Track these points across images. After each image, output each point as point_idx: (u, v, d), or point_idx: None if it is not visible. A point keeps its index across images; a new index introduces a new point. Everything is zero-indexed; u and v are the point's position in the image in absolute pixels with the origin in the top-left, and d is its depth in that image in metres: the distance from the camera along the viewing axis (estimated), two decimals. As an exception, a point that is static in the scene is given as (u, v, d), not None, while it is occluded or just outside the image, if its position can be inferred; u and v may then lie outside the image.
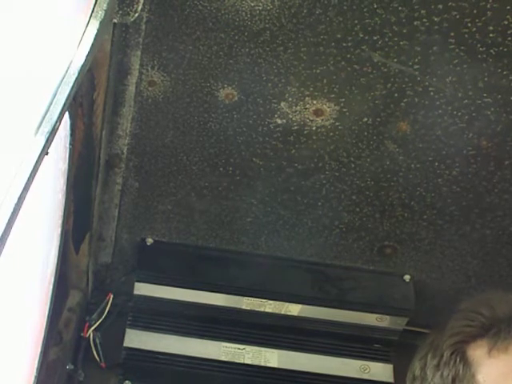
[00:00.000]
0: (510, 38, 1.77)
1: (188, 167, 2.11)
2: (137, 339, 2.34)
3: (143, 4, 1.68)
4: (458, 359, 1.63)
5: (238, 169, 2.11)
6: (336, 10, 1.75)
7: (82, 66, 1.34)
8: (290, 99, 1.94)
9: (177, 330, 2.37)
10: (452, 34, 1.78)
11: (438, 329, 1.71)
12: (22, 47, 1.14)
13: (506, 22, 1.75)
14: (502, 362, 1.60)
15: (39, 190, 1.39)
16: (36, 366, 1.85)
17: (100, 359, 2.30)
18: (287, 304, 2.36)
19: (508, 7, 1.72)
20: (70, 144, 1.64)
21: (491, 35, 1.77)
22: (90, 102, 1.73)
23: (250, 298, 2.35)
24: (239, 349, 2.37)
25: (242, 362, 2.36)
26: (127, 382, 2.28)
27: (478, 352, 1.62)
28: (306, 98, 1.93)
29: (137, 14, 1.66)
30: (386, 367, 2.40)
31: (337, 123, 1.99)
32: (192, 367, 2.33)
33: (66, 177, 1.71)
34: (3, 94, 1.09)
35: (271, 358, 2.38)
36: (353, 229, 2.24)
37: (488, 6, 1.72)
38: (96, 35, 1.40)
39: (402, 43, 1.80)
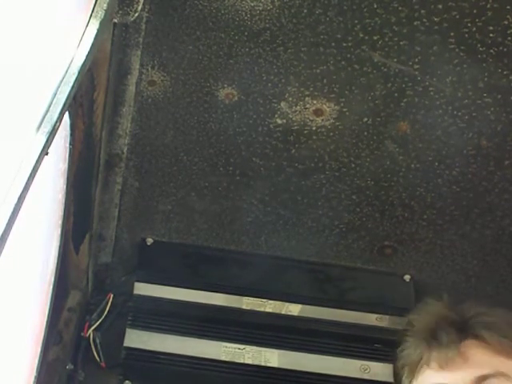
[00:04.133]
0: (509, 38, 1.77)
1: (188, 167, 2.11)
2: (137, 339, 2.33)
3: (143, 4, 1.68)
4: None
5: (238, 169, 2.11)
6: (336, 10, 1.75)
7: (82, 65, 1.34)
8: (290, 99, 1.94)
9: (177, 330, 2.36)
10: (452, 33, 1.78)
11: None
12: (22, 47, 1.15)
13: (505, 22, 1.75)
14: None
15: (39, 190, 1.39)
16: (36, 365, 1.85)
17: (100, 359, 2.30)
18: (287, 304, 2.36)
19: (508, 7, 1.72)
20: (70, 144, 1.64)
21: (491, 35, 1.77)
22: (90, 102, 1.73)
23: (250, 298, 2.35)
24: (239, 349, 2.37)
25: (242, 361, 2.36)
26: (127, 381, 2.28)
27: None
28: (306, 98, 1.93)
29: (137, 14, 1.66)
30: (386, 367, 2.40)
31: (337, 123, 1.99)
32: (192, 367, 2.33)
33: (66, 176, 1.71)
34: (3, 94, 1.09)
35: (271, 357, 2.38)
36: (353, 229, 2.24)
37: (488, 5, 1.72)
38: (96, 35, 1.40)
39: (402, 43, 1.80)
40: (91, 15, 1.42)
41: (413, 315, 1.71)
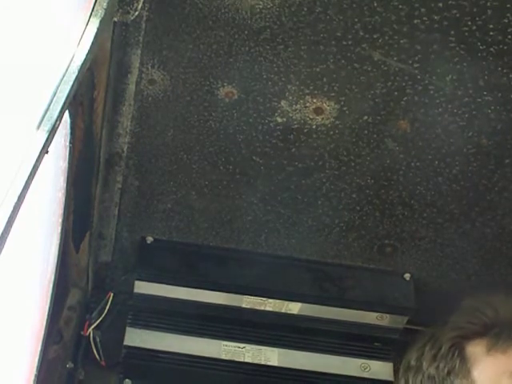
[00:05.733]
0: (510, 36, 1.77)
1: (188, 166, 2.11)
2: (137, 338, 2.34)
3: (143, 2, 1.68)
4: (456, 353, 1.65)
5: (238, 167, 2.11)
6: (336, 8, 1.75)
7: (82, 64, 1.34)
8: (290, 98, 1.94)
9: (177, 329, 2.37)
10: (452, 32, 1.78)
11: (440, 323, 1.73)
12: (21, 46, 1.14)
13: (505, 20, 1.74)
14: (499, 361, 1.62)
15: (39, 189, 1.39)
16: (36, 364, 1.86)
17: (100, 358, 2.30)
18: (287, 302, 2.36)
19: (508, 5, 1.72)
20: (70, 142, 1.64)
21: (491, 33, 1.77)
22: (90, 101, 1.73)
23: (250, 297, 2.35)
24: (239, 347, 2.37)
25: (242, 360, 2.36)
26: (127, 380, 2.28)
27: (477, 349, 1.65)
28: (306, 97, 1.93)
29: (137, 13, 1.66)
30: (386, 366, 2.40)
31: (337, 122, 1.98)
32: (192, 366, 2.33)
33: (66, 175, 1.71)
34: (3, 93, 1.09)
35: (271, 356, 2.38)
36: (353, 227, 2.24)
37: (488, 4, 1.72)
38: (96, 34, 1.40)
39: (402, 41, 1.80)
40: (91, 14, 1.42)
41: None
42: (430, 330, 1.76)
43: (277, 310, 2.37)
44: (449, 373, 1.67)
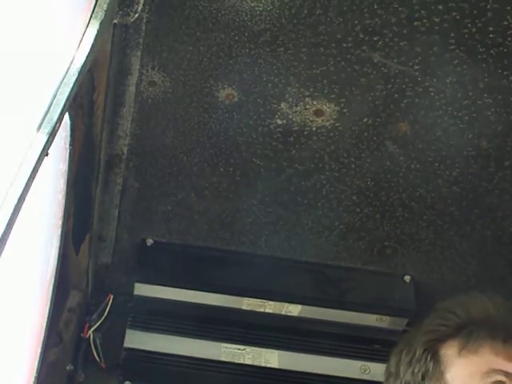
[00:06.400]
0: (510, 39, 1.77)
1: (188, 168, 2.11)
2: (137, 340, 2.33)
3: (143, 4, 1.68)
4: (429, 357, 1.65)
5: (239, 169, 2.11)
6: (336, 10, 1.75)
7: (82, 66, 1.34)
8: (290, 100, 1.94)
9: (177, 331, 2.37)
10: (452, 34, 1.78)
11: (415, 327, 1.72)
12: (21, 48, 1.14)
13: (505, 23, 1.75)
14: (470, 361, 1.61)
15: (39, 191, 1.39)
16: (36, 366, 1.85)
17: (100, 360, 2.30)
18: (287, 304, 2.36)
19: (508, 8, 1.72)
20: (70, 145, 1.64)
21: (491, 36, 1.77)
22: (90, 103, 1.73)
23: (250, 299, 2.35)
24: (239, 349, 2.37)
25: (242, 362, 2.36)
26: (127, 382, 2.28)
27: (449, 351, 1.64)
28: (306, 99, 1.93)
29: (137, 15, 1.66)
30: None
31: (337, 124, 1.99)
32: (192, 368, 2.33)
33: (66, 177, 1.71)
34: (3, 95, 1.09)
35: (271, 358, 2.38)
36: (353, 229, 2.24)
37: (488, 6, 1.72)
38: (96, 36, 1.40)
39: (402, 44, 1.80)
40: (91, 16, 1.42)
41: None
42: (406, 335, 1.76)
43: (277, 311, 2.37)
44: (423, 377, 1.66)
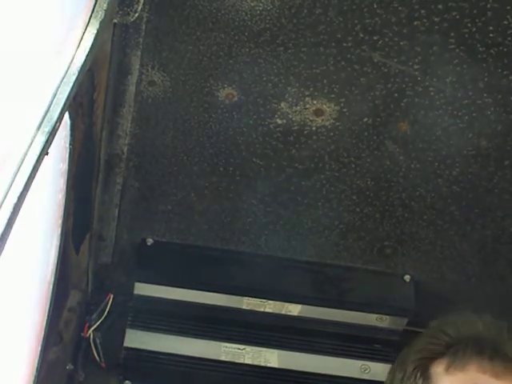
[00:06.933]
0: (509, 38, 1.77)
1: (188, 167, 2.11)
2: (137, 339, 2.33)
3: (143, 4, 1.68)
4: (419, 374, 1.68)
5: (239, 169, 2.11)
6: (336, 10, 1.75)
7: (82, 66, 1.34)
8: (290, 99, 1.94)
9: (177, 330, 2.37)
10: (452, 34, 1.78)
11: (408, 346, 1.76)
12: (21, 47, 1.14)
13: (505, 22, 1.75)
14: (457, 379, 1.64)
15: (39, 190, 1.39)
16: (36, 365, 1.85)
17: (100, 359, 2.30)
18: (287, 304, 2.36)
19: (508, 7, 1.72)
20: (70, 144, 1.64)
21: (491, 35, 1.77)
22: (90, 102, 1.73)
23: (250, 298, 2.35)
24: (239, 349, 2.37)
25: (242, 362, 2.36)
26: (127, 381, 2.28)
27: (438, 369, 1.67)
28: (306, 98, 1.93)
29: (137, 14, 1.66)
30: (386, 367, 2.38)
31: (337, 123, 1.99)
32: (192, 367, 2.33)
33: (66, 177, 1.71)
34: (3, 94, 1.09)
35: (271, 358, 2.38)
36: (353, 229, 2.24)
37: (488, 6, 1.72)
38: (96, 35, 1.40)
39: (402, 43, 1.80)
40: (91, 15, 1.42)
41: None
42: (400, 353, 1.79)
43: (277, 311, 2.37)
44: None
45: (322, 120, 1.98)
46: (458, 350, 1.65)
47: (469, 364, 1.63)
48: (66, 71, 1.32)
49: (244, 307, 2.37)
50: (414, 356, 1.71)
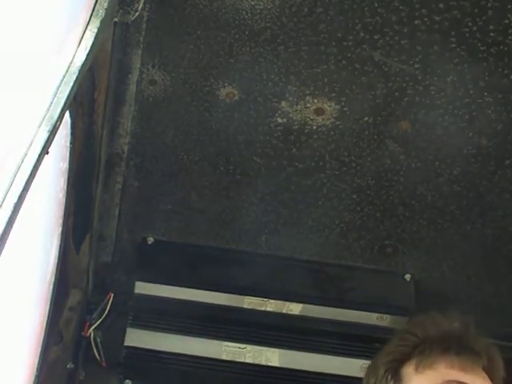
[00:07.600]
0: (510, 37, 1.77)
1: (188, 166, 2.11)
2: (137, 338, 2.33)
3: (144, 3, 1.68)
4: (390, 376, 1.73)
5: (239, 168, 2.11)
6: (337, 9, 1.75)
7: (83, 65, 1.34)
8: (291, 98, 1.94)
9: (178, 329, 2.37)
10: (453, 33, 1.78)
11: (380, 351, 1.79)
12: (22, 46, 1.14)
13: (506, 21, 1.75)
14: (427, 376, 1.69)
15: (40, 189, 1.39)
16: (36, 365, 1.85)
17: (101, 358, 2.30)
18: (288, 303, 2.36)
19: (508, 6, 1.72)
20: (70, 143, 1.64)
21: (492, 34, 1.77)
22: (90, 102, 1.73)
23: (251, 297, 2.35)
24: (240, 348, 2.37)
25: (243, 361, 2.36)
26: (128, 380, 2.28)
27: (408, 369, 1.73)
28: (307, 97, 1.93)
29: (137, 13, 1.66)
30: (386, 366, 2.40)
31: (337, 122, 1.99)
32: (193, 366, 2.33)
33: (66, 176, 1.71)
34: (4, 94, 1.09)
35: (272, 357, 2.38)
36: (353, 228, 2.24)
37: (489, 5, 1.72)
38: (97, 34, 1.40)
39: (402, 42, 1.80)
40: (92, 14, 1.42)
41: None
42: (373, 359, 1.82)
43: (278, 310, 2.37)
44: None
45: (323, 119, 1.98)
46: (424, 349, 1.70)
47: (437, 361, 1.68)
48: (67, 70, 1.32)
49: (245, 306, 2.37)
50: (385, 359, 1.76)
